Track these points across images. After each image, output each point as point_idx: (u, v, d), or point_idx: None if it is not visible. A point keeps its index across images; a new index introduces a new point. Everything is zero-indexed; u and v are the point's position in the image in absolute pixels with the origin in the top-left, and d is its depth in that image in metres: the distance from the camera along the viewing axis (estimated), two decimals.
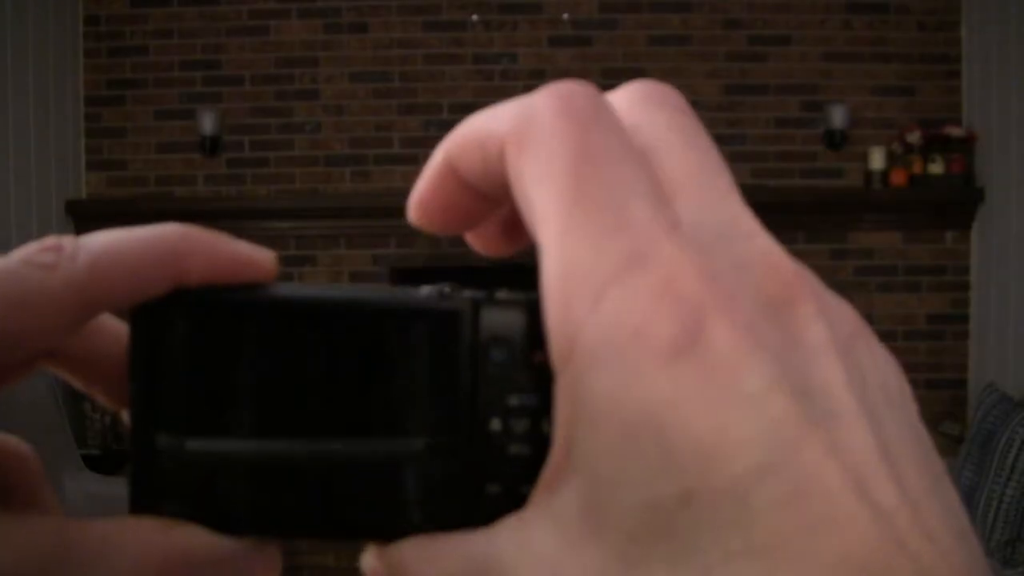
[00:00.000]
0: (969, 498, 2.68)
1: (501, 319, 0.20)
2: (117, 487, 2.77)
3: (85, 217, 3.57)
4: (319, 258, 3.61)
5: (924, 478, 0.17)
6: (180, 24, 3.66)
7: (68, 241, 0.21)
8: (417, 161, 3.54)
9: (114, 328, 0.23)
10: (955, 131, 3.47)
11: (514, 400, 0.20)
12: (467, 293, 0.21)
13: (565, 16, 3.60)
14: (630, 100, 0.21)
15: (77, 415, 3.15)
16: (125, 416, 0.22)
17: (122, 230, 0.21)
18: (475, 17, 3.62)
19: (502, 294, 0.21)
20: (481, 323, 0.21)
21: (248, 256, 0.22)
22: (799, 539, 0.15)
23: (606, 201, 0.18)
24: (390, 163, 3.62)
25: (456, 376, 0.21)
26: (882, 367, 0.19)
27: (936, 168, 3.48)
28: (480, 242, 0.24)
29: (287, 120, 3.66)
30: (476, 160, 0.20)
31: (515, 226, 0.23)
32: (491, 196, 0.21)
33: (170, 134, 3.67)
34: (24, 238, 3.33)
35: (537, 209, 0.18)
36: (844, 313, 0.19)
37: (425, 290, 0.21)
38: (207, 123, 3.60)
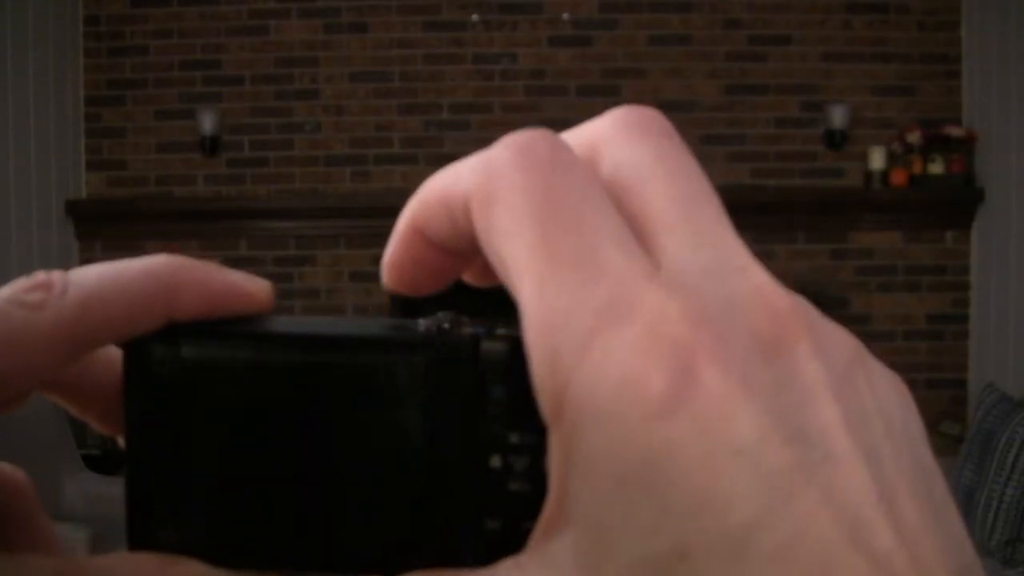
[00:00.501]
0: (969, 498, 2.68)
1: (501, 355, 0.20)
2: (117, 487, 2.77)
3: (85, 217, 3.57)
4: (319, 258, 3.61)
5: (924, 514, 0.17)
6: (180, 24, 3.66)
7: (58, 277, 0.20)
8: (417, 161, 3.54)
9: (107, 354, 0.23)
10: (955, 131, 3.47)
11: (514, 438, 0.20)
12: (466, 328, 0.21)
13: (565, 16, 3.60)
14: (612, 129, 0.20)
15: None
16: (120, 442, 0.22)
17: (113, 264, 0.21)
18: (475, 17, 3.62)
19: (502, 329, 0.21)
20: (480, 359, 0.20)
21: (242, 288, 0.22)
22: None
23: (579, 251, 0.18)
24: (390, 163, 3.62)
25: (456, 413, 0.21)
26: (883, 395, 0.18)
27: (936, 168, 3.48)
28: (470, 276, 0.23)
29: (287, 120, 3.66)
30: (443, 221, 0.20)
31: None
32: (462, 253, 0.21)
33: (170, 134, 3.67)
34: (24, 238, 3.34)
35: (510, 266, 0.18)
36: (841, 341, 0.18)
37: (424, 323, 0.21)
38: (207, 123, 3.60)
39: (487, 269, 0.22)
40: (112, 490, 2.77)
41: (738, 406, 0.16)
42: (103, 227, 3.57)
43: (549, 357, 0.17)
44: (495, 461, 0.20)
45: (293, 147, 3.66)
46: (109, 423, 0.23)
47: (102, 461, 3.07)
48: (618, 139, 0.20)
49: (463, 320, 0.21)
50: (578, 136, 0.21)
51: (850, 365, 0.18)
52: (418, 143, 3.60)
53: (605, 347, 0.17)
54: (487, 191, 0.19)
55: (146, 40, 3.67)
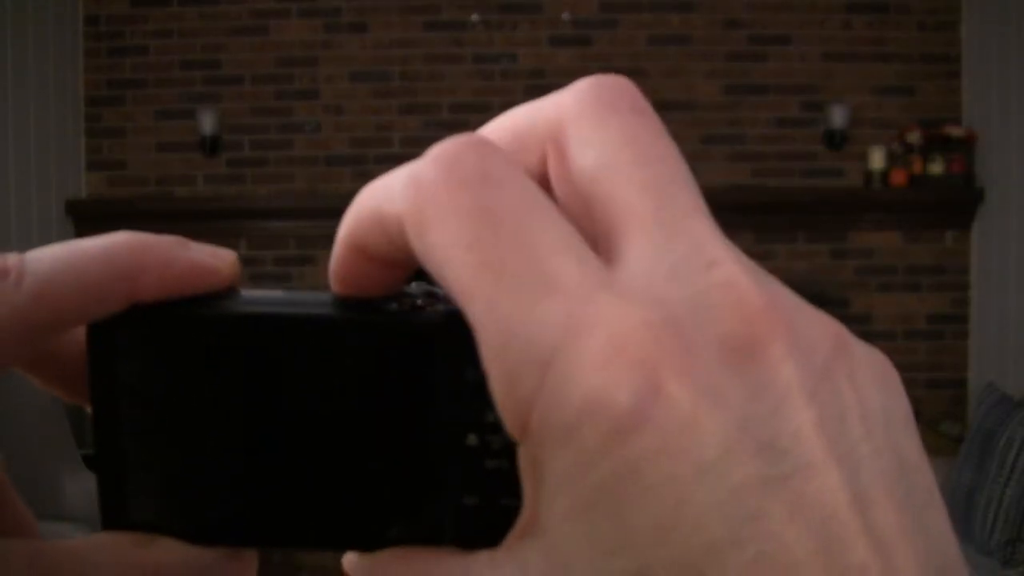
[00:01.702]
0: (969, 498, 2.68)
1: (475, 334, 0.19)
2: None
3: (85, 217, 3.57)
4: (319, 258, 3.60)
5: (902, 517, 0.16)
6: (180, 24, 3.66)
7: (13, 262, 0.19)
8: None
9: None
10: (955, 131, 3.47)
11: (490, 416, 0.19)
12: (441, 306, 0.20)
13: (565, 16, 3.60)
14: (578, 105, 0.19)
15: (77, 415, 3.15)
16: (88, 409, 0.22)
17: (71, 244, 0.20)
18: (475, 17, 3.62)
19: None
20: (456, 337, 0.20)
21: (205, 264, 0.21)
22: None
23: (525, 266, 0.17)
24: (390, 163, 3.60)
25: (431, 391, 0.20)
26: (864, 389, 0.17)
27: (936, 168, 3.48)
28: None
29: (287, 120, 3.66)
30: (379, 239, 0.19)
31: None
32: (404, 264, 0.20)
33: (170, 134, 3.66)
34: (24, 238, 3.34)
35: (456, 288, 0.17)
36: (820, 333, 0.17)
37: (396, 302, 0.21)
38: (207, 123, 3.60)
39: None
40: None
41: (703, 420, 0.16)
42: (103, 227, 3.53)
43: (508, 380, 0.17)
44: (471, 439, 0.20)
45: (293, 147, 3.66)
46: (73, 391, 0.23)
47: None
48: (584, 119, 0.19)
49: (437, 296, 0.21)
50: (541, 110, 0.20)
51: (829, 360, 0.17)
52: (418, 143, 3.60)
53: (565, 366, 0.16)
54: (418, 214, 0.18)
55: (146, 40, 3.67)
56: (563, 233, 0.17)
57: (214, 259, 0.21)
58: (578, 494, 0.16)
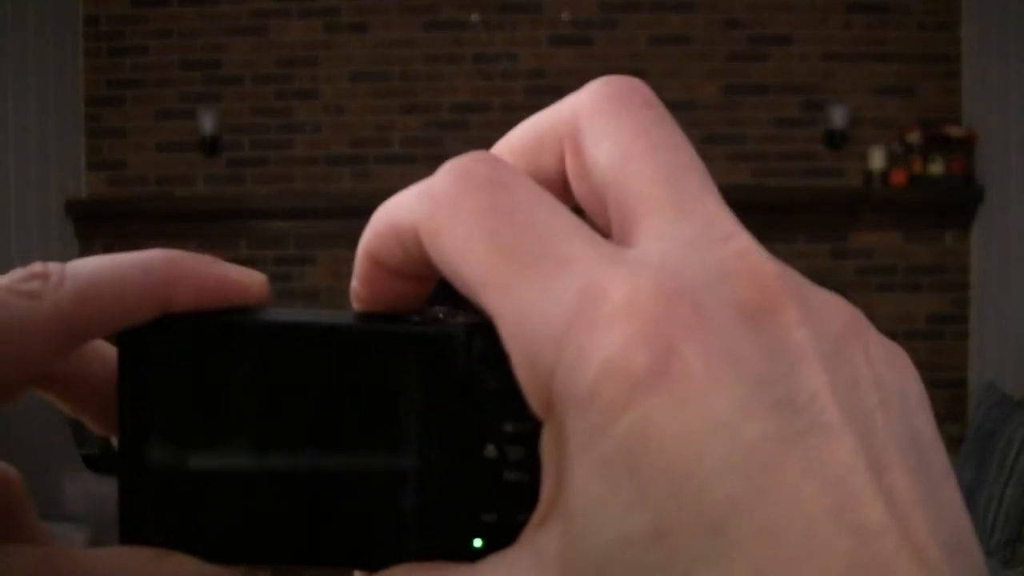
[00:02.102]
0: (969, 498, 2.68)
1: (495, 344, 0.19)
2: (117, 487, 2.76)
3: (85, 217, 3.57)
4: (319, 258, 3.61)
5: (917, 486, 0.16)
6: (180, 24, 3.66)
7: (54, 268, 0.20)
8: (417, 161, 3.54)
9: (102, 351, 0.23)
10: (955, 131, 3.47)
11: (508, 426, 0.20)
12: (461, 318, 0.21)
13: (565, 16, 3.60)
14: (592, 104, 0.20)
15: None
16: (114, 441, 0.22)
17: (109, 256, 0.21)
18: (475, 17, 3.62)
19: None
20: (474, 348, 0.20)
21: (236, 280, 0.22)
22: (778, 574, 0.15)
23: (538, 249, 0.17)
24: (390, 163, 3.62)
25: (449, 402, 0.20)
26: (880, 365, 0.18)
27: (936, 168, 3.48)
28: None
29: (287, 120, 3.66)
30: (396, 252, 0.20)
31: None
32: (422, 277, 0.21)
33: (170, 134, 3.66)
34: (24, 238, 3.33)
35: (472, 282, 0.18)
36: (835, 311, 0.18)
37: (417, 315, 0.21)
38: (207, 123, 3.60)
39: None
40: (112, 490, 2.77)
41: (718, 378, 0.16)
42: (103, 227, 3.57)
43: (529, 355, 0.17)
44: (490, 451, 0.20)
45: (293, 147, 3.66)
46: (103, 422, 0.23)
47: (102, 461, 3.07)
48: (598, 115, 0.20)
49: (458, 313, 0.21)
50: (558, 111, 0.21)
51: (844, 334, 0.17)
52: (418, 143, 3.60)
53: (582, 334, 0.17)
54: (433, 220, 0.19)
55: (146, 40, 3.67)
56: (572, 221, 0.18)
57: (244, 276, 0.22)
58: (598, 455, 0.16)
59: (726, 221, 0.18)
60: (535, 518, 0.18)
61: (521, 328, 0.17)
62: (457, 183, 0.19)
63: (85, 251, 3.57)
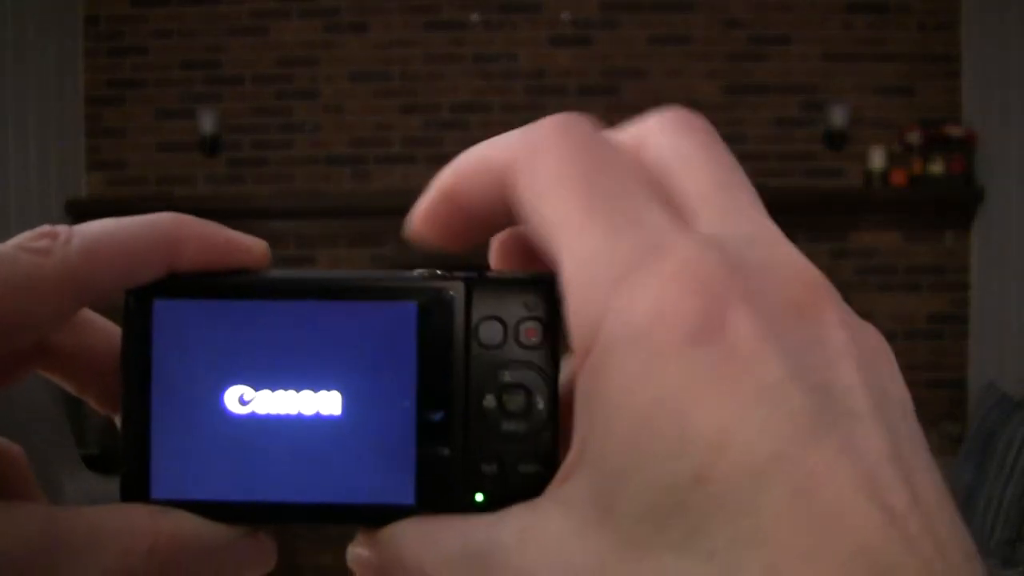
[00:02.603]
0: (969, 498, 2.68)
1: (492, 297, 0.20)
2: (117, 487, 2.76)
3: (85, 217, 3.54)
4: (319, 258, 3.60)
5: (935, 490, 0.17)
6: (180, 24, 3.66)
7: (62, 228, 0.21)
8: (417, 161, 3.54)
9: (106, 328, 0.23)
10: (955, 131, 3.47)
11: (507, 376, 0.20)
12: (458, 273, 0.21)
13: (565, 16, 3.60)
14: (657, 125, 0.21)
15: (77, 415, 3.15)
16: (118, 420, 0.22)
17: (117, 218, 0.22)
18: (475, 17, 3.62)
19: (492, 273, 0.21)
20: (473, 301, 0.21)
21: (240, 242, 0.23)
22: (807, 533, 0.16)
23: (619, 205, 0.19)
24: (390, 163, 3.62)
25: (449, 354, 0.21)
26: (903, 391, 0.19)
27: (936, 168, 3.47)
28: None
29: (287, 120, 3.66)
30: (475, 191, 0.21)
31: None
32: (487, 221, 0.22)
33: (170, 134, 3.66)
34: None
35: (550, 219, 0.19)
36: (868, 332, 0.19)
37: (417, 271, 0.22)
38: (207, 123, 3.60)
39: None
40: (112, 490, 2.77)
41: (766, 348, 0.17)
42: None
43: (584, 289, 0.18)
44: (489, 401, 0.21)
45: (293, 147, 3.66)
46: (107, 399, 0.23)
47: (102, 461, 3.07)
48: (662, 131, 0.21)
49: (457, 270, 0.22)
50: (623, 133, 0.22)
51: (876, 351, 0.19)
52: (418, 143, 3.60)
53: (641, 281, 0.17)
54: (531, 157, 0.20)
55: (146, 40, 3.67)
56: (653, 194, 0.19)
57: (247, 240, 0.23)
58: (640, 400, 0.17)
59: (774, 231, 0.20)
60: (562, 471, 0.18)
61: (584, 265, 0.18)
62: (557, 132, 0.20)
63: None
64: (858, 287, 3.53)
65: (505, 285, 0.21)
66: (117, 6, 3.67)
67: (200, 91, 3.66)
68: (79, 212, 3.58)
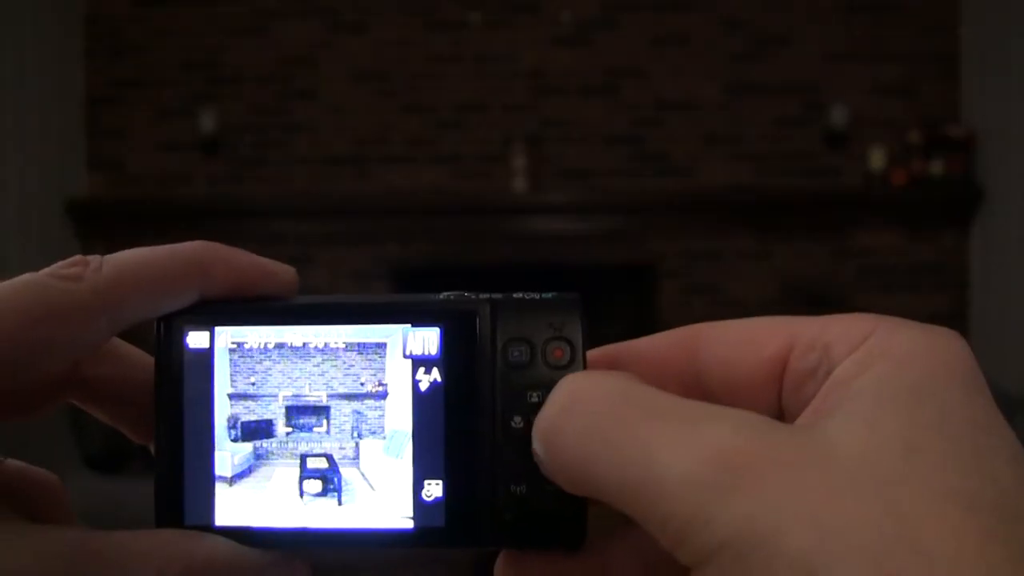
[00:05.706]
0: None
1: (518, 317, 0.20)
2: (117, 486, 2.76)
3: (85, 217, 3.57)
4: (319, 258, 3.60)
5: None
6: (180, 24, 3.66)
7: (93, 257, 0.21)
8: (416, 161, 3.54)
9: (138, 357, 0.24)
10: (955, 131, 3.47)
11: (534, 397, 0.20)
12: (484, 295, 0.21)
13: (565, 16, 3.60)
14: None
15: (77, 415, 3.15)
16: (152, 449, 0.22)
17: (146, 247, 0.22)
18: (475, 17, 3.61)
19: (519, 294, 0.21)
20: (499, 323, 0.21)
21: (268, 269, 0.23)
22: None
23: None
24: (390, 163, 3.61)
25: (476, 375, 0.21)
26: None
27: (936, 168, 3.47)
28: None
29: (287, 120, 3.66)
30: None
31: None
32: None
33: (170, 134, 3.66)
34: (24, 238, 3.32)
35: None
36: None
37: (444, 294, 0.22)
38: (207, 123, 3.59)
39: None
40: (112, 489, 2.77)
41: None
42: (103, 227, 3.57)
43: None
44: (517, 421, 0.21)
45: (293, 147, 3.66)
46: (140, 430, 0.24)
47: (102, 461, 3.07)
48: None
49: (482, 294, 0.22)
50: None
51: None
52: (418, 143, 3.60)
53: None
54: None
55: (146, 40, 3.67)
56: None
57: (276, 266, 0.23)
58: None
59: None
60: None
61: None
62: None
63: (85, 251, 3.54)
64: (858, 287, 3.53)
65: (531, 306, 0.21)
66: (117, 6, 3.67)
67: (200, 91, 3.66)
68: (79, 212, 3.57)
